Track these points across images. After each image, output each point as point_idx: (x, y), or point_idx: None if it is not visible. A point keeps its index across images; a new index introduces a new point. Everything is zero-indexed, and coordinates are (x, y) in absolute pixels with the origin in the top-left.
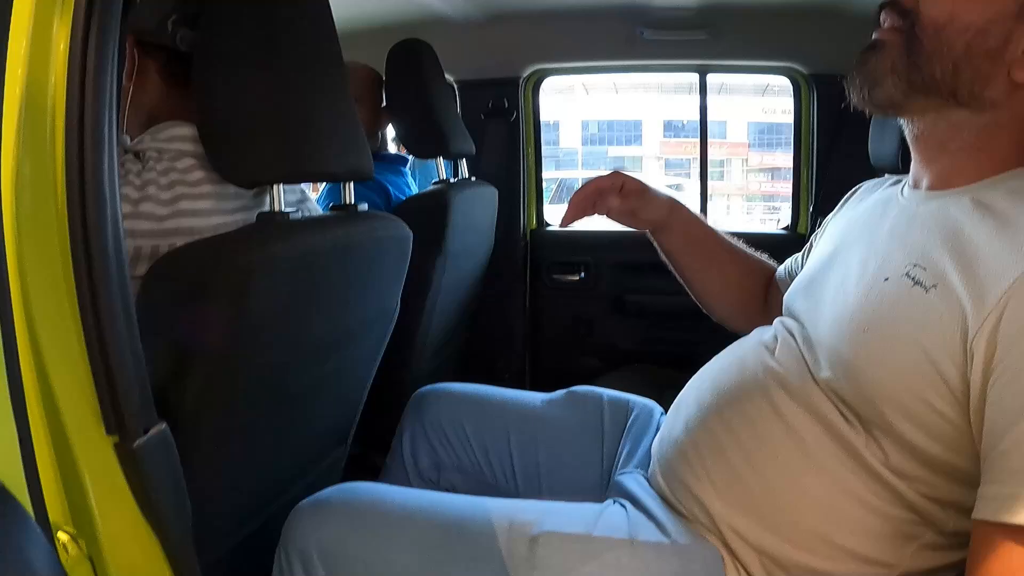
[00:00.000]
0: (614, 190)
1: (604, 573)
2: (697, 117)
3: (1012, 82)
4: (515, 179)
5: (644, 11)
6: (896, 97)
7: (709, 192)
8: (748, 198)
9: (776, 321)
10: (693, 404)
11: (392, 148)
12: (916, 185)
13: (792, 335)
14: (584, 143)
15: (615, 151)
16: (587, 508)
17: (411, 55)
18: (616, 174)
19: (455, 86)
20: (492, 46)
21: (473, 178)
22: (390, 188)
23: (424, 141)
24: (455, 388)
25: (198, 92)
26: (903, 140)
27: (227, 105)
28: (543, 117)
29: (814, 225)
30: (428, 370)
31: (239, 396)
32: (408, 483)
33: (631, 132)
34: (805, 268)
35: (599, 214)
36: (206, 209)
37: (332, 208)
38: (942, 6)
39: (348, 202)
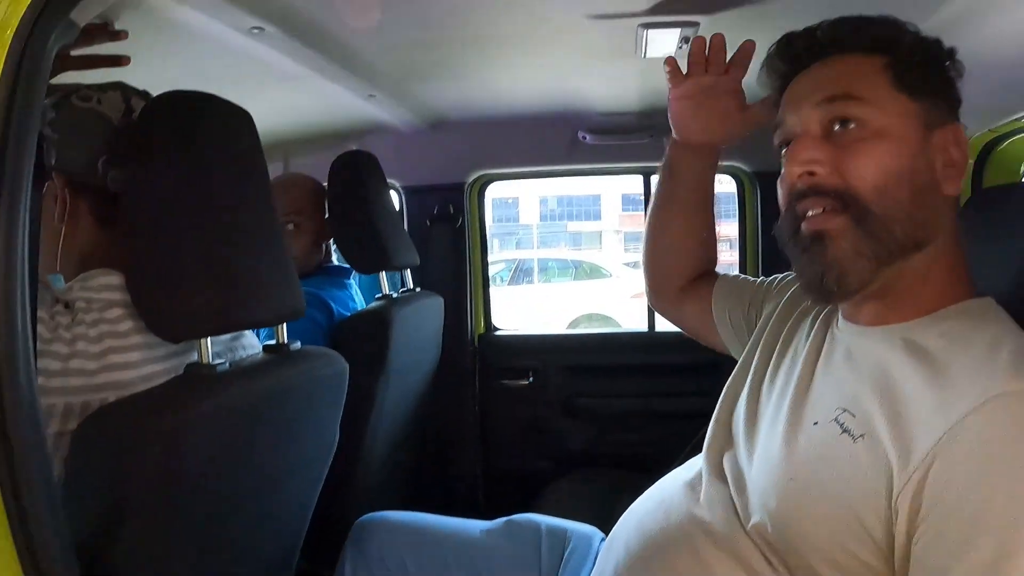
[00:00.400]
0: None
1: None
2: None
3: (945, 199)
4: (462, 284)
5: (586, 116)
6: (867, 277)
7: None
8: None
9: (703, 457)
10: (622, 548)
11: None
12: (850, 318)
13: (725, 475)
14: (543, 219)
15: (574, 226)
16: None
17: (353, 167)
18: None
19: (401, 192)
20: (436, 152)
21: (418, 288)
22: (333, 305)
23: (366, 256)
24: (394, 519)
25: (126, 239)
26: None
27: (154, 255)
28: (503, 194)
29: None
30: (376, 483)
31: (171, 550)
32: None
33: (590, 207)
34: (747, 387)
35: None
36: (136, 361)
37: (265, 349)
38: (873, 168)
39: (281, 341)
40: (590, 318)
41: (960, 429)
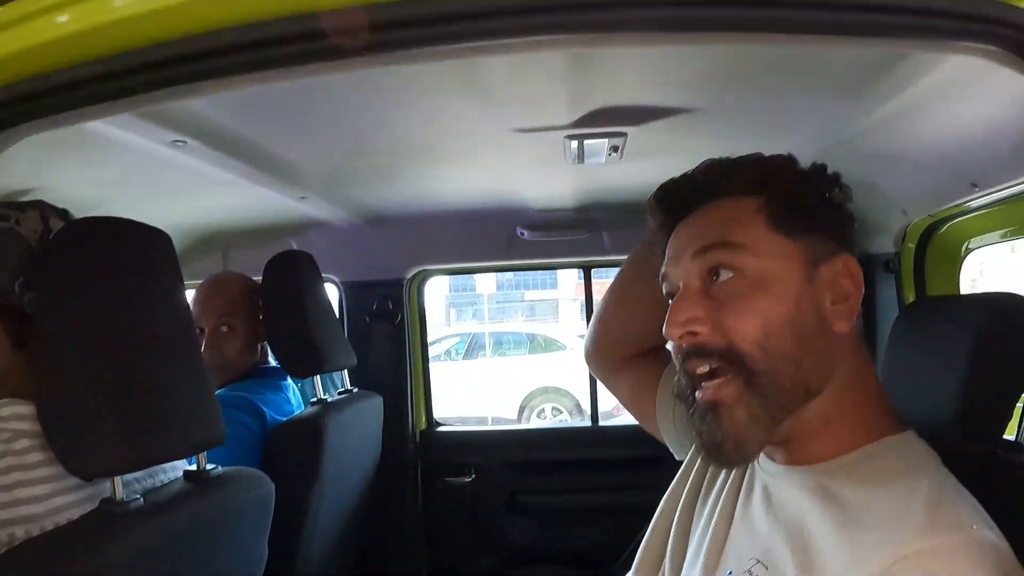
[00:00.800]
0: None
1: None
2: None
3: (838, 337)
4: (402, 380)
5: (523, 213)
6: (765, 438)
7: None
8: None
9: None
10: None
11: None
12: (769, 455)
13: None
14: (499, 287)
15: (531, 295)
16: None
17: (287, 268)
18: None
19: (340, 286)
20: (374, 248)
21: (355, 389)
22: (266, 410)
23: (299, 361)
24: None
25: (37, 369)
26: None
27: (66, 387)
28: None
29: None
30: None
31: None
32: None
33: (547, 276)
34: (682, 504)
35: None
36: (44, 494)
37: (185, 475)
38: (753, 323)
39: (202, 466)
40: (545, 391)
41: None
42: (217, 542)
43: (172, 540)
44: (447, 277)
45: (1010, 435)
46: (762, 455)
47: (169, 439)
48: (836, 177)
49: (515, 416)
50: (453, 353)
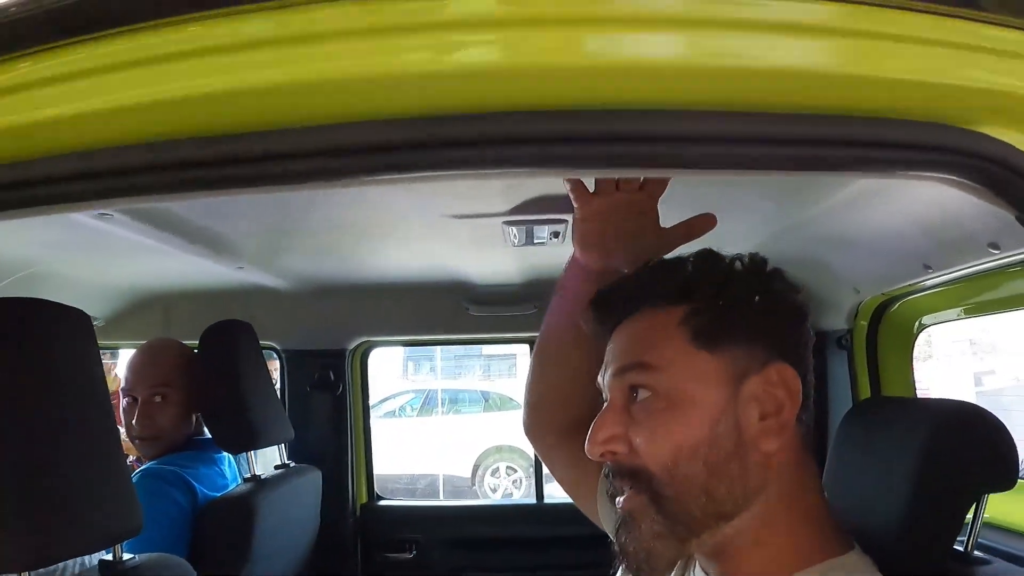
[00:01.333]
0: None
1: None
2: None
3: (765, 455)
4: (343, 453)
5: (469, 288)
6: (674, 554)
7: None
8: None
9: None
10: None
11: None
12: (704, 567)
13: None
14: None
15: (488, 349)
16: None
17: (223, 339)
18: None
19: (282, 355)
20: (317, 317)
21: (291, 462)
22: (198, 485)
23: (233, 436)
24: None
25: None
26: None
27: None
28: None
29: None
30: None
31: None
32: None
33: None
34: None
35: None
36: None
37: (100, 565)
38: (663, 447)
39: (117, 556)
40: (499, 450)
41: None
42: None
43: None
44: None
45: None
46: (698, 563)
47: (80, 533)
48: (774, 273)
49: (469, 475)
50: (408, 409)
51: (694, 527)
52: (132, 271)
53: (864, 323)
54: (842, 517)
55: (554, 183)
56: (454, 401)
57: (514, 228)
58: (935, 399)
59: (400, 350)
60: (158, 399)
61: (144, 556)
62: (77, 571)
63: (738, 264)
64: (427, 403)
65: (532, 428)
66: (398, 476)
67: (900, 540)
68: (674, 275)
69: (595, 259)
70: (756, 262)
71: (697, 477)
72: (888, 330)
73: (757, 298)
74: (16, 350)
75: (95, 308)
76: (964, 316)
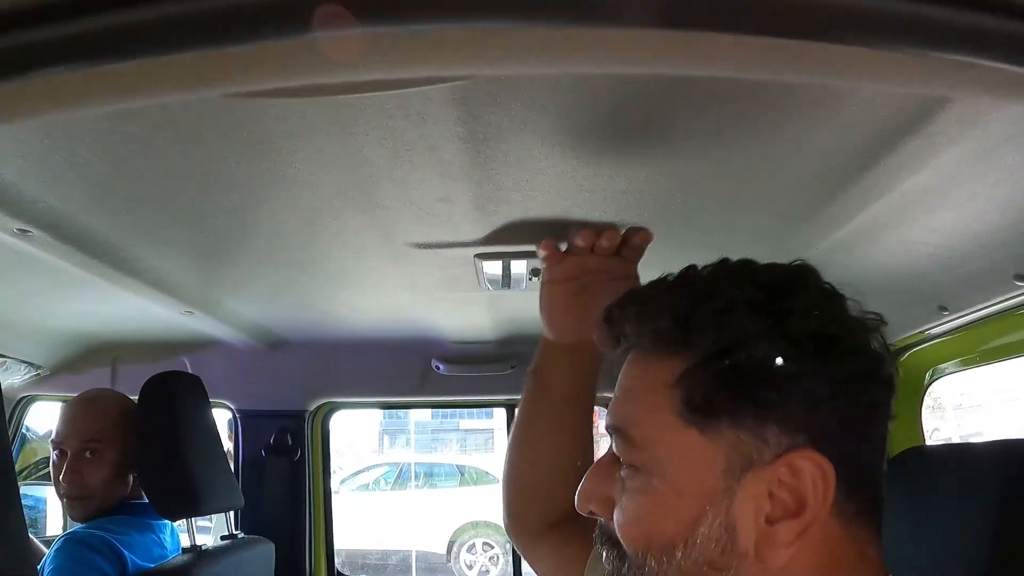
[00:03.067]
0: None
1: None
2: None
3: (767, 568)
4: (300, 524)
5: (439, 344)
6: None
7: None
8: None
9: None
10: None
11: None
12: None
13: None
14: (434, 416)
15: (465, 423)
16: None
17: (164, 393)
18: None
19: (236, 414)
20: (275, 375)
21: (241, 533)
22: (127, 554)
23: (171, 500)
24: None
25: None
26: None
27: None
28: None
29: None
30: None
31: None
32: None
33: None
34: None
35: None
36: None
37: None
38: (632, 527)
39: None
40: (475, 526)
41: None
42: None
43: None
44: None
45: None
46: None
47: None
48: (825, 309)
49: (444, 551)
50: (382, 482)
51: None
52: (75, 316)
53: None
54: None
55: (533, 205)
56: (429, 475)
57: (487, 263)
58: (991, 441)
59: (375, 423)
60: (88, 454)
61: None
62: None
63: (758, 295)
64: (401, 476)
65: (511, 524)
66: (368, 552)
67: None
68: (674, 307)
69: (564, 331)
70: (793, 289)
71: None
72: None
73: (780, 361)
74: None
75: (39, 355)
76: (978, 363)
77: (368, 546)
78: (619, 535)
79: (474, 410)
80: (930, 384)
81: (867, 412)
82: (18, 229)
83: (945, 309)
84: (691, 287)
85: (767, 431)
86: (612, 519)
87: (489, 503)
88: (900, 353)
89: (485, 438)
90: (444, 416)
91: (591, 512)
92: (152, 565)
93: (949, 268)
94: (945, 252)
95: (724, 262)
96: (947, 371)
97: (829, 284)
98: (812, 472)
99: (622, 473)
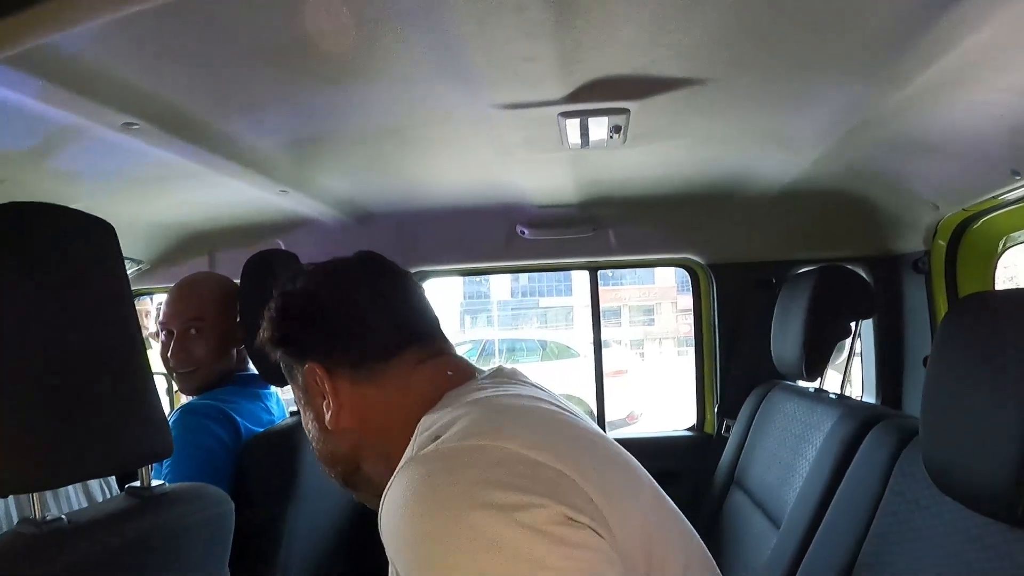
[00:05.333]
0: None
1: None
2: (624, 270)
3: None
4: None
5: (523, 210)
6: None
7: (638, 340)
8: (680, 341)
9: None
10: None
11: None
12: None
13: None
14: (514, 295)
15: (546, 302)
16: None
17: (264, 269)
18: None
19: None
20: (366, 248)
21: None
22: (240, 420)
23: (274, 366)
24: None
25: None
26: (805, 345)
27: None
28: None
29: (721, 425)
30: None
31: None
32: None
33: (561, 283)
34: None
35: None
36: None
37: (127, 490)
38: None
39: (145, 483)
40: None
41: None
42: (156, 567)
43: (99, 562)
44: (460, 283)
45: None
46: None
47: (99, 453)
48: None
49: None
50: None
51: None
52: (173, 207)
53: (943, 243)
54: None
55: (612, 63)
56: (512, 350)
57: (569, 122)
58: None
59: (456, 304)
60: (193, 332)
61: (175, 484)
62: (102, 497)
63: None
64: (485, 352)
65: None
66: None
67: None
68: None
69: None
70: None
71: None
72: (968, 251)
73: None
74: (29, 256)
75: (140, 250)
76: None
77: None
78: None
79: (554, 287)
80: (1003, 252)
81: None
82: (124, 123)
83: (1018, 174)
84: None
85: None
86: None
87: (571, 376)
88: (973, 220)
89: (565, 313)
90: (524, 294)
91: None
92: (261, 429)
93: (1020, 132)
94: (1015, 115)
95: None
96: (1021, 239)
97: None
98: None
99: None
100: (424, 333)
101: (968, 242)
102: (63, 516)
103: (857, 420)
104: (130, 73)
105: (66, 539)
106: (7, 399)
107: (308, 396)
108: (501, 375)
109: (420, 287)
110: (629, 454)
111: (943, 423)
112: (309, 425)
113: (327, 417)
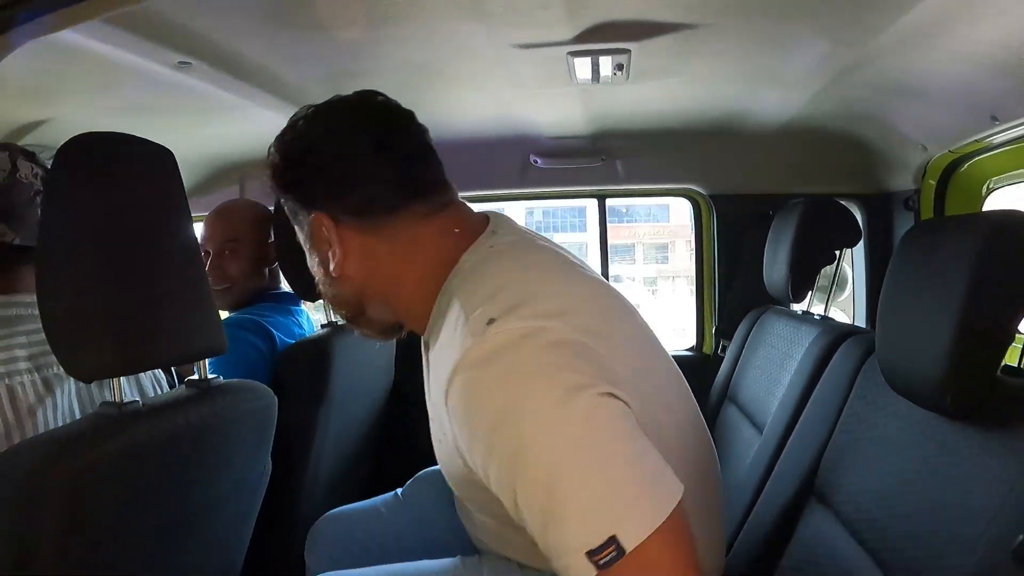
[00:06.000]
0: None
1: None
2: (637, 204)
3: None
4: None
5: (536, 140)
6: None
7: (651, 277)
8: (692, 280)
9: None
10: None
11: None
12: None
13: None
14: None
15: (560, 238)
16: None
17: None
18: None
19: None
20: None
21: None
22: (275, 332)
23: (309, 283)
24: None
25: (39, 281)
26: (791, 269)
27: (65, 297)
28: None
29: (718, 346)
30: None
31: None
32: None
33: (576, 219)
34: None
35: None
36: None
37: (187, 383)
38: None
39: (204, 376)
40: None
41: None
42: (213, 447)
43: (168, 444)
44: None
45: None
46: None
47: (168, 343)
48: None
49: None
50: None
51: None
52: (209, 139)
53: (932, 183)
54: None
55: (618, 7)
56: None
57: (578, 60)
58: (984, 212)
59: None
60: (227, 252)
61: (228, 379)
62: (166, 390)
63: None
64: None
65: None
66: None
67: (949, 359)
68: None
69: None
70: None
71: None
72: (956, 191)
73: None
74: (107, 177)
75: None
76: None
77: None
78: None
79: (568, 223)
80: (988, 195)
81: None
82: (179, 62)
83: (996, 119)
84: None
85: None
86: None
87: None
88: (960, 162)
89: (578, 249)
90: (539, 230)
91: None
92: (293, 341)
93: (998, 77)
94: (992, 62)
95: None
96: (1004, 183)
97: None
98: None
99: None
100: (428, 183)
101: (956, 183)
102: (138, 400)
103: (832, 336)
104: (186, 15)
105: (141, 419)
106: (92, 299)
107: (313, 242)
108: (503, 227)
109: (424, 131)
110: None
111: (893, 330)
112: (315, 269)
113: (331, 264)
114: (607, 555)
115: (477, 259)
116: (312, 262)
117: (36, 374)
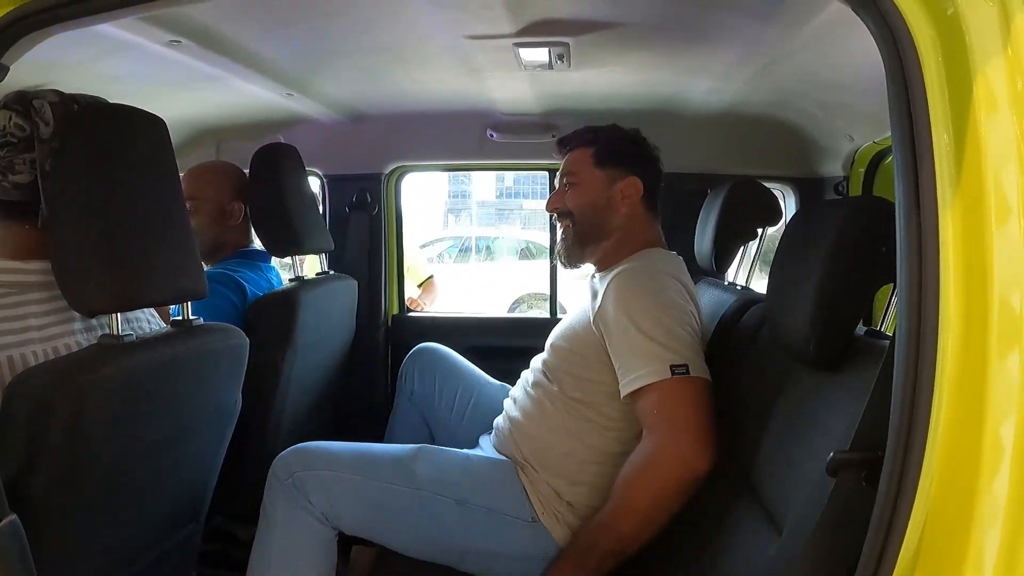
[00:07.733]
0: None
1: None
2: None
3: (621, 213)
4: (377, 268)
5: (492, 115)
6: (578, 254)
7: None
8: None
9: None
10: (510, 402)
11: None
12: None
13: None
14: (499, 195)
15: (529, 204)
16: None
17: (271, 159)
18: None
19: (323, 179)
20: (356, 144)
21: (332, 271)
22: (247, 285)
23: (280, 241)
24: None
25: (50, 231)
26: (715, 243)
27: (72, 244)
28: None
29: None
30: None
31: (82, 490)
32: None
33: (544, 185)
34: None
35: None
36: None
37: (172, 323)
38: (575, 202)
39: (186, 317)
40: (534, 297)
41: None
42: (195, 378)
43: (157, 371)
44: (445, 182)
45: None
46: (595, 269)
47: (157, 286)
48: (635, 133)
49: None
50: (445, 257)
51: (583, 240)
52: (190, 105)
53: (861, 170)
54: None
55: (553, 5)
56: (490, 249)
57: (522, 50)
58: (855, 197)
59: (441, 202)
60: (189, 207)
61: (207, 321)
62: (154, 328)
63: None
64: (464, 250)
65: None
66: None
67: (809, 328)
68: (589, 133)
69: None
70: (627, 130)
71: (588, 216)
72: (884, 180)
73: (633, 142)
74: (108, 143)
75: None
76: None
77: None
78: (570, 207)
79: (537, 190)
80: None
81: (649, 167)
82: (170, 40)
83: None
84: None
85: (624, 167)
86: (566, 205)
87: (546, 276)
88: (885, 154)
89: (546, 216)
90: (507, 196)
91: (555, 209)
92: (262, 294)
93: None
94: None
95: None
96: None
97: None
98: (633, 183)
99: (568, 186)
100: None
101: (884, 171)
102: (132, 334)
103: (744, 301)
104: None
105: (136, 349)
106: (95, 245)
107: (597, 191)
108: (653, 253)
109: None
110: None
111: (779, 293)
112: (590, 207)
113: (599, 203)
114: (680, 368)
115: (652, 251)
116: (580, 201)
117: (47, 344)
